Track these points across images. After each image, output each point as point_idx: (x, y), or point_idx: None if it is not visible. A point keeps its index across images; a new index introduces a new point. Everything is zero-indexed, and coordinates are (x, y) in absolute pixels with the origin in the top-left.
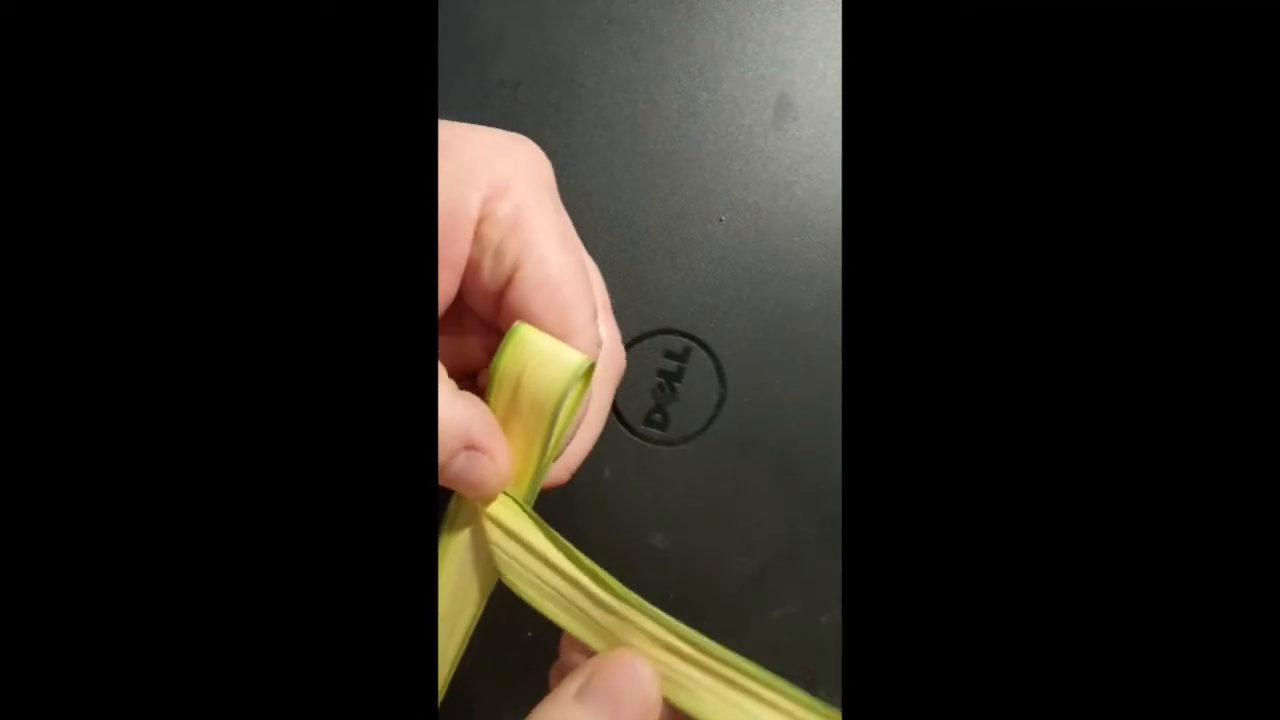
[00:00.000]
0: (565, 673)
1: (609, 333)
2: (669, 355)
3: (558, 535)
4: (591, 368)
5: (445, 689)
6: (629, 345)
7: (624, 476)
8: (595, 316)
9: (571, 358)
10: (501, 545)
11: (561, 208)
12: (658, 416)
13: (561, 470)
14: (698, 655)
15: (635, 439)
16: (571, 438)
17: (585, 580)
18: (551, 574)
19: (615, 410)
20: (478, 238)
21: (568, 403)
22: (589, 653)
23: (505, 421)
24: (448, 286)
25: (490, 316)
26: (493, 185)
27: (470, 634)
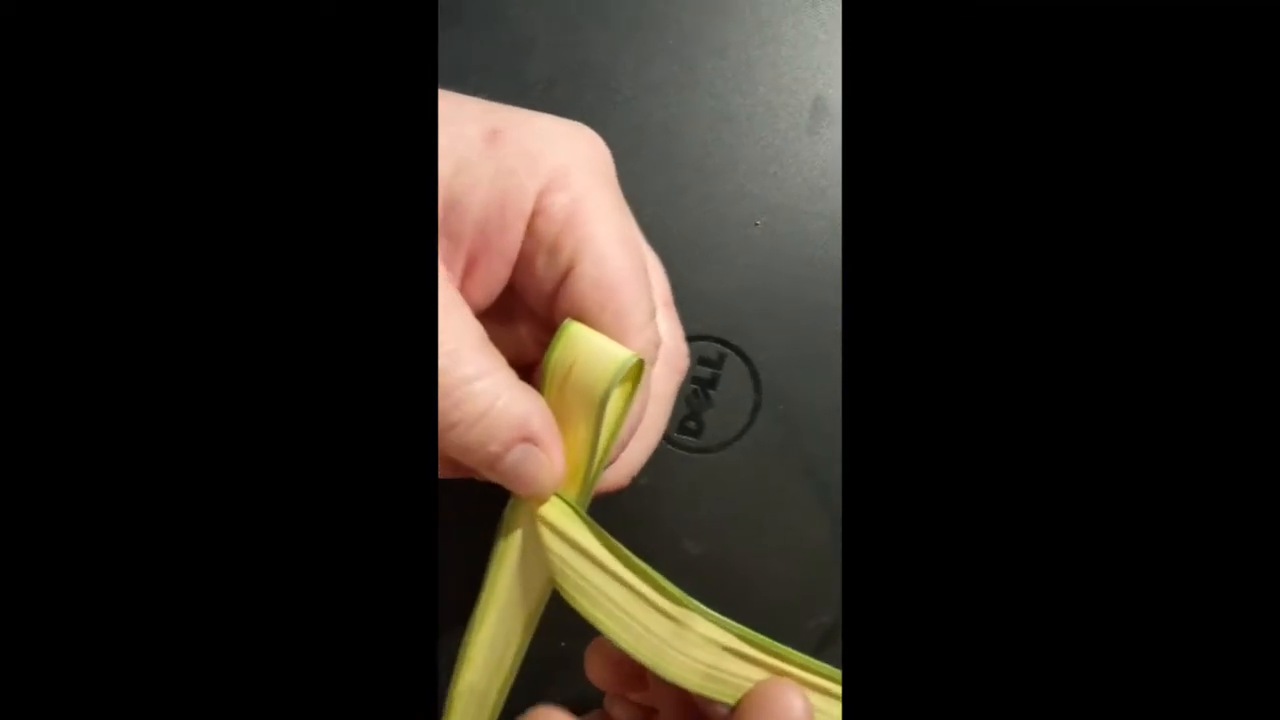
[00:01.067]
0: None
1: (670, 329)
2: (703, 362)
3: (610, 538)
4: (641, 366)
5: (503, 701)
6: None
7: (658, 484)
8: (653, 316)
9: (619, 353)
10: (554, 549)
11: (622, 200)
12: (692, 424)
13: (621, 473)
14: (763, 657)
15: (670, 446)
16: (626, 441)
17: (640, 585)
18: (605, 579)
19: None
20: (532, 231)
21: (615, 401)
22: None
23: (556, 420)
24: (496, 277)
25: (544, 311)
26: (551, 176)
27: (527, 643)
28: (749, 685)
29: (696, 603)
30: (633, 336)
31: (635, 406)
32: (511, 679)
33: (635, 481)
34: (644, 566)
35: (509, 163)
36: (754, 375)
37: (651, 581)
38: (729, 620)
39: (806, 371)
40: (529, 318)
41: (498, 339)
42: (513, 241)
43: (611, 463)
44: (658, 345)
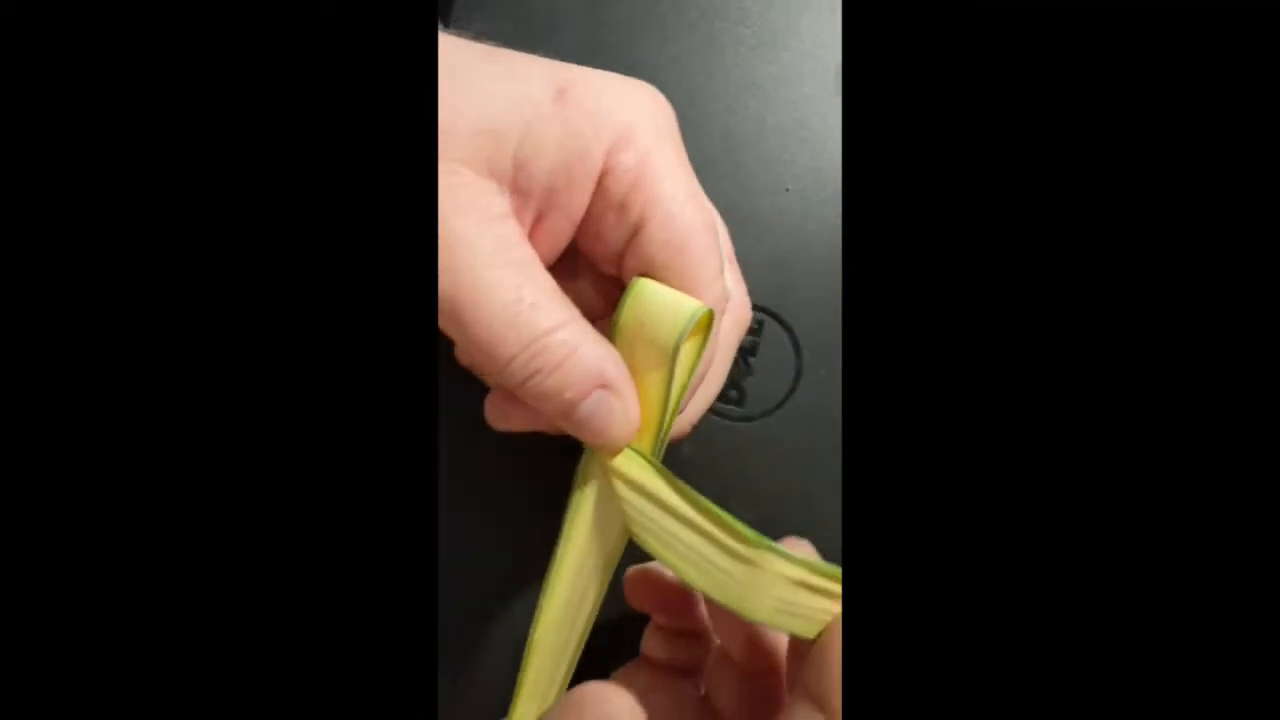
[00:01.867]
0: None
1: (735, 284)
2: None
3: (683, 484)
4: (711, 317)
5: (579, 653)
6: None
7: (703, 453)
8: (721, 271)
9: (690, 304)
10: (629, 499)
11: (685, 156)
12: (734, 392)
13: (684, 423)
14: (834, 587)
15: (713, 416)
16: (694, 392)
17: (714, 529)
18: (679, 525)
19: None
20: (601, 191)
21: (685, 353)
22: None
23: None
24: (562, 234)
25: (612, 269)
26: (617, 135)
27: (603, 594)
28: (824, 617)
29: (769, 541)
30: (703, 291)
31: (705, 357)
32: (588, 631)
33: (680, 451)
34: (717, 511)
35: (576, 123)
36: (794, 341)
37: (725, 525)
38: (800, 555)
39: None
40: (591, 275)
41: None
42: (580, 201)
43: (680, 412)
44: (726, 299)
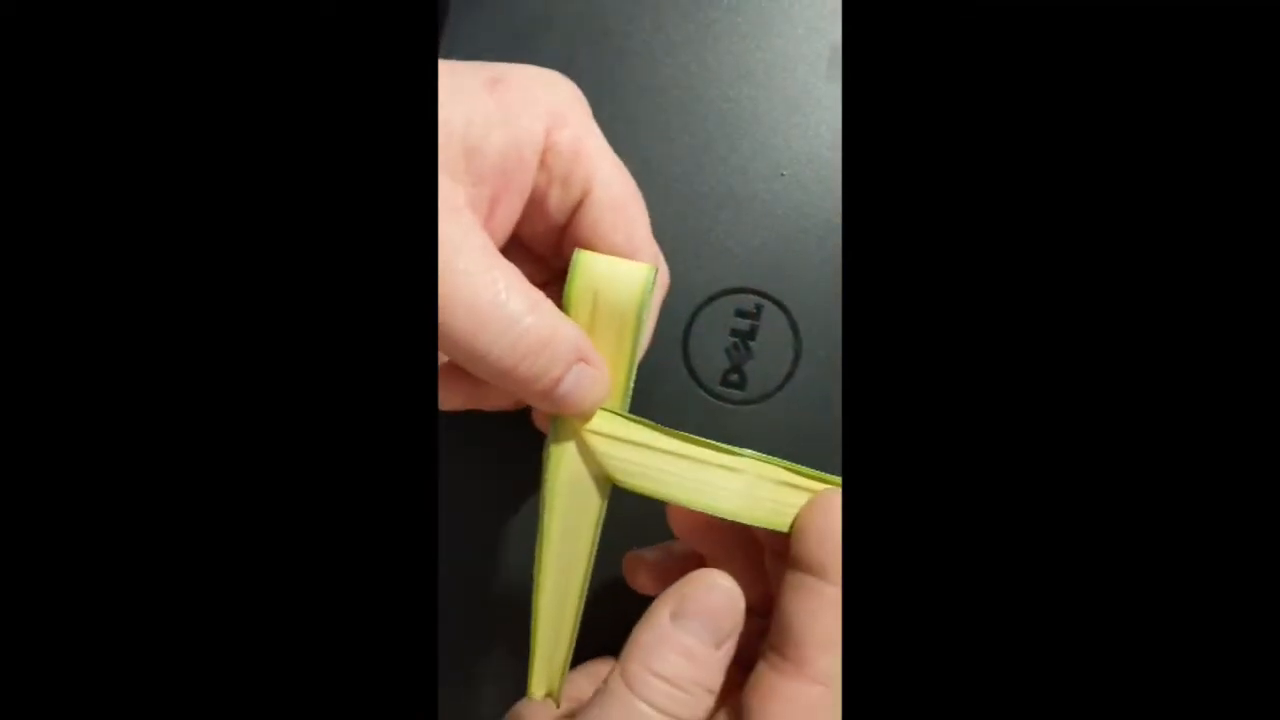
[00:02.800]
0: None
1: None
2: (741, 314)
3: (656, 424)
4: (655, 275)
5: (580, 616)
6: (701, 307)
7: (705, 437)
8: (650, 234)
9: (641, 268)
10: (612, 453)
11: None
12: (734, 376)
13: None
14: (814, 485)
15: (714, 400)
16: (645, 347)
17: (697, 451)
18: (664, 458)
19: (691, 372)
20: (544, 167)
21: (644, 311)
22: (658, 573)
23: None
24: (512, 217)
25: (547, 248)
26: (551, 116)
27: (594, 550)
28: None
29: (747, 450)
30: (643, 252)
31: (650, 317)
32: (585, 590)
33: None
34: (694, 437)
35: (514, 107)
36: (792, 324)
37: (707, 444)
38: (777, 459)
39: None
40: (525, 258)
41: None
42: (528, 179)
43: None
44: (658, 256)
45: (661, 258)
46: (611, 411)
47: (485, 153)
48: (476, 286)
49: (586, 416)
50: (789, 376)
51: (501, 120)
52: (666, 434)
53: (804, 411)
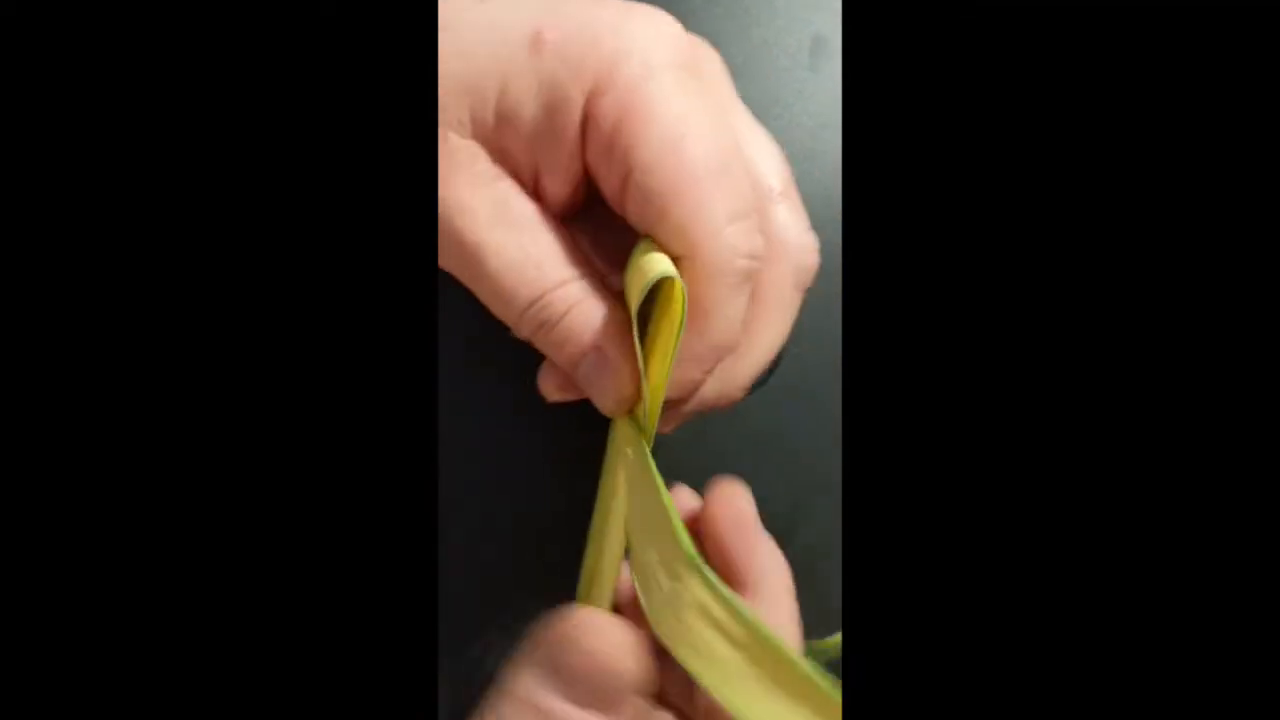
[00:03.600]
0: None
1: (791, 221)
2: None
3: (650, 466)
4: (678, 284)
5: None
6: None
7: (688, 433)
8: (741, 215)
9: (654, 267)
10: (625, 463)
11: (688, 82)
12: None
13: (734, 389)
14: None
15: None
16: (710, 357)
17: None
18: (647, 501)
19: None
20: (589, 141)
21: (670, 320)
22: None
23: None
24: (565, 187)
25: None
26: (596, 78)
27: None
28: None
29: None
30: (705, 245)
31: (691, 322)
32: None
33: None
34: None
35: (551, 70)
36: None
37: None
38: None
39: (826, 310)
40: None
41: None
42: (569, 153)
43: (696, 384)
44: (744, 251)
45: (802, 233)
46: (634, 424)
47: (519, 121)
48: (510, 257)
49: (612, 415)
50: (769, 373)
51: (535, 90)
52: (647, 474)
53: (785, 407)
